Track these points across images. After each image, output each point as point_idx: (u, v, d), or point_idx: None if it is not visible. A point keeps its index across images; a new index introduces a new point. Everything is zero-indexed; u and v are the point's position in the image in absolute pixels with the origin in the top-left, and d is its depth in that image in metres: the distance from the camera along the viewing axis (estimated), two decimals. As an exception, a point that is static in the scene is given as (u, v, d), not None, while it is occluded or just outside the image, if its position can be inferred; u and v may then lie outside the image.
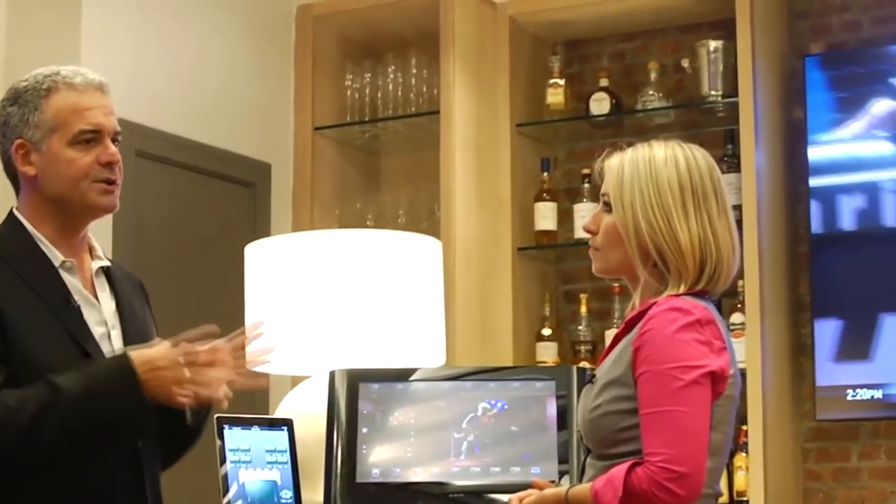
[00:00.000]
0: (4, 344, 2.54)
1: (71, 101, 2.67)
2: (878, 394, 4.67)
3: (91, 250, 2.76)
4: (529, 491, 2.58)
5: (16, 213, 2.72)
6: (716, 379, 2.43)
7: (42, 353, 2.56)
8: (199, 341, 2.63)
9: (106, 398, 2.53)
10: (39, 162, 2.67)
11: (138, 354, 2.56)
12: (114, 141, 2.71)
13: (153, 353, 2.57)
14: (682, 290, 2.49)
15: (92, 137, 2.67)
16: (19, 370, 2.54)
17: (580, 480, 2.55)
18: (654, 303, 2.48)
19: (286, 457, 3.14)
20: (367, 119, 5.35)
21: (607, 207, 2.56)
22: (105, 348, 2.66)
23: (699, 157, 2.55)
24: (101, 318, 2.70)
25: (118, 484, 2.64)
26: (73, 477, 2.58)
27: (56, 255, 2.67)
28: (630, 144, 2.60)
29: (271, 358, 2.94)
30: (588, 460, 2.54)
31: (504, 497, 2.95)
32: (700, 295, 2.50)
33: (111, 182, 2.70)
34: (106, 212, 2.74)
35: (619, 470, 2.39)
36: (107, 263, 2.78)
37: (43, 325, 2.59)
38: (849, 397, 4.70)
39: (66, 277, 2.67)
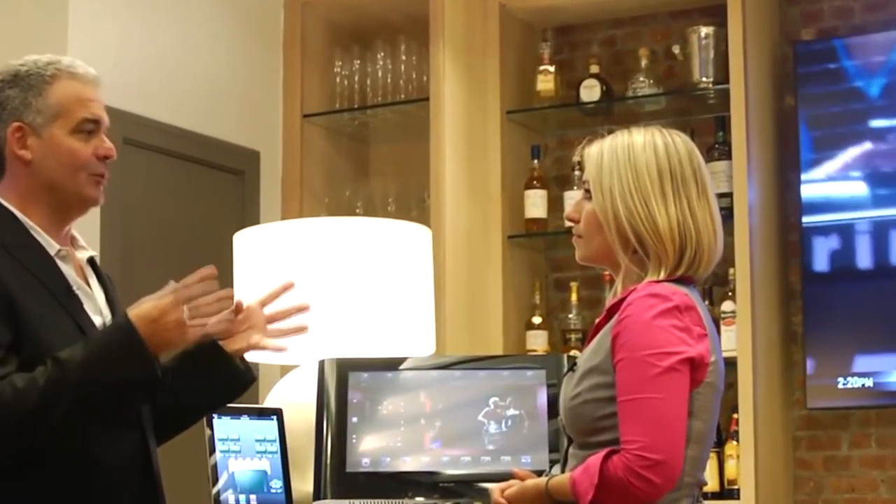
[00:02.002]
0: (17, 332, 2.52)
1: (75, 90, 2.66)
2: (868, 382, 4.67)
3: (73, 241, 2.74)
4: (511, 482, 2.57)
5: (2, 200, 2.68)
6: (695, 366, 2.41)
7: (53, 342, 2.54)
8: (198, 283, 2.60)
9: (111, 360, 2.50)
10: (38, 147, 2.64)
11: (134, 313, 2.54)
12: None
13: (146, 308, 2.54)
14: (662, 275, 2.48)
15: (92, 129, 2.67)
16: (32, 359, 2.52)
17: (563, 470, 2.54)
18: (634, 289, 2.47)
19: (276, 446, 3.13)
20: (356, 106, 5.33)
21: (588, 195, 2.56)
22: None
23: (679, 141, 2.55)
24: (97, 307, 2.69)
25: (130, 472, 2.63)
26: (89, 467, 2.57)
27: (51, 244, 2.65)
28: (611, 132, 2.60)
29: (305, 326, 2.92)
30: (570, 450, 2.53)
31: (494, 486, 2.94)
32: (682, 281, 2.49)
33: (102, 176, 2.69)
34: (93, 205, 2.72)
35: (596, 458, 2.38)
36: (93, 254, 2.76)
37: (50, 314, 2.57)
38: (840, 386, 4.69)
39: (62, 267, 2.65)
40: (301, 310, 2.88)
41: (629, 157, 2.51)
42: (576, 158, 2.65)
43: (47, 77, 2.65)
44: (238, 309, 2.75)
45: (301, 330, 2.88)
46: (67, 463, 2.54)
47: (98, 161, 2.67)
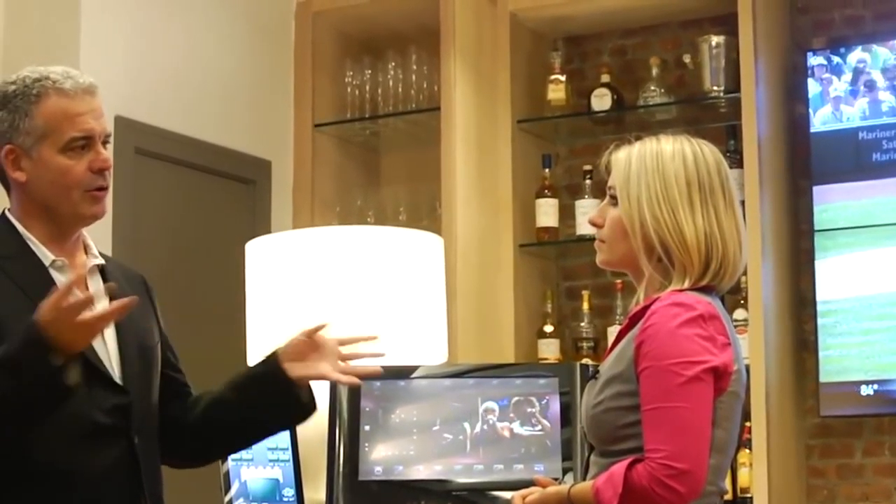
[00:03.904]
0: None
1: (62, 106, 2.62)
2: (882, 389, 4.65)
3: (86, 248, 2.74)
4: (532, 489, 2.56)
5: (7, 214, 2.69)
6: (719, 375, 2.41)
7: None
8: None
9: (16, 358, 2.43)
10: (30, 168, 2.63)
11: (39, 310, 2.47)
12: (104, 143, 2.68)
13: (45, 304, 2.44)
14: (686, 284, 2.47)
15: (84, 144, 2.63)
16: None
17: (584, 477, 2.54)
18: (658, 298, 2.46)
19: (288, 455, 3.13)
20: (367, 116, 5.33)
21: (613, 201, 2.55)
22: (98, 347, 2.62)
23: (707, 151, 2.54)
24: None
25: (111, 482, 2.60)
26: (64, 475, 2.55)
27: (46, 255, 2.64)
28: (638, 138, 2.59)
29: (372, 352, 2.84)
30: (592, 457, 2.53)
31: (507, 494, 2.94)
32: (706, 290, 2.49)
33: (102, 189, 2.66)
34: (95, 220, 2.70)
35: (620, 467, 2.38)
36: (101, 261, 2.74)
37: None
38: (853, 393, 4.68)
39: (57, 277, 2.63)
40: (376, 355, 2.81)
41: (658, 166, 2.50)
42: (603, 162, 2.62)
43: (33, 97, 2.61)
44: (314, 331, 2.69)
45: (374, 374, 2.79)
46: (45, 473, 2.52)
47: (94, 175, 2.64)
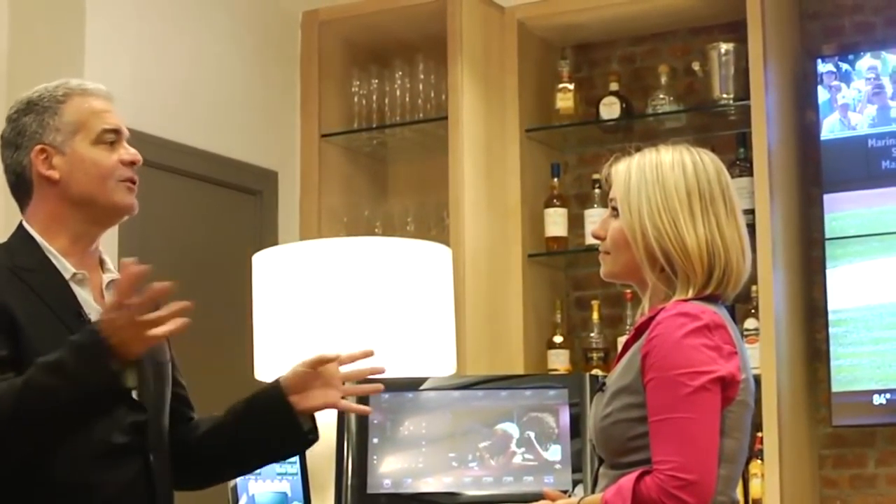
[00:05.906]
0: (17, 351, 2.50)
1: (89, 104, 2.68)
2: (895, 398, 4.62)
3: (101, 263, 2.74)
4: (542, 502, 2.56)
5: (25, 225, 2.69)
6: (726, 384, 2.41)
7: None
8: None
9: (75, 363, 2.43)
10: (63, 164, 2.64)
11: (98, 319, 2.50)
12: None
13: (107, 304, 2.49)
14: (690, 294, 2.47)
15: (114, 139, 2.68)
16: None
17: (593, 490, 2.53)
18: (663, 308, 2.46)
19: (296, 468, 3.11)
20: (374, 125, 5.31)
21: (615, 212, 2.56)
22: None
23: (707, 160, 2.54)
24: None
25: (127, 499, 2.59)
26: (81, 492, 2.54)
27: (67, 268, 2.64)
28: (638, 149, 2.59)
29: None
30: (601, 469, 2.52)
31: (526, 507, 2.91)
32: (711, 299, 2.48)
33: (134, 181, 2.69)
34: (128, 212, 2.72)
35: (629, 479, 2.38)
36: (116, 276, 2.74)
37: (54, 337, 2.54)
38: (865, 402, 4.65)
39: (77, 290, 2.64)
40: (376, 371, 2.80)
41: (658, 177, 2.50)
42: (603, 174, 2.62)
43: (59, 97, 2.67)
44: (317, 363, 2.69)
45: (377, 390, 2.82)
46: (62, 489, 2.51)
47: (125, 167, 2.68)
